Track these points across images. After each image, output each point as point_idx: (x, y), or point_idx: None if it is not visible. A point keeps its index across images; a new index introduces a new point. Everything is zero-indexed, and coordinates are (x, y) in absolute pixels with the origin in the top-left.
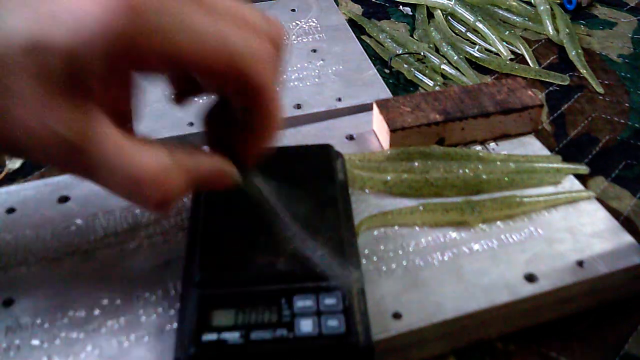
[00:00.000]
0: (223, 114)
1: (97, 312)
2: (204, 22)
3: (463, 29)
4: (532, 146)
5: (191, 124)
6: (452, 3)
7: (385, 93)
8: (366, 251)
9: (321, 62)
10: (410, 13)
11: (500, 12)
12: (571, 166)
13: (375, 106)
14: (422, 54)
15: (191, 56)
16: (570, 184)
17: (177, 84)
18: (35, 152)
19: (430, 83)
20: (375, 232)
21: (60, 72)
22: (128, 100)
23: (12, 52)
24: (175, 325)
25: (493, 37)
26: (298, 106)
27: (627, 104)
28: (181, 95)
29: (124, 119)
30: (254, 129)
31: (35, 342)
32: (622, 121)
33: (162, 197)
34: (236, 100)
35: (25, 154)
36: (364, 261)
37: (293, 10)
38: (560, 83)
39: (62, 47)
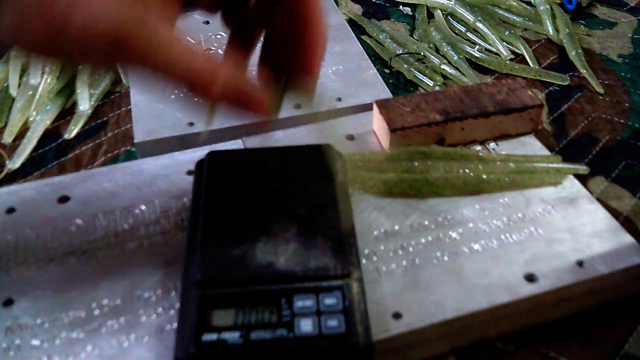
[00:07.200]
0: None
1: (97, 312)
2: None
3: (463, 29)
4: (532, 146)
5: (191, 124)
6: (452, 3)
7: (385, 93)
8: (366, 251)
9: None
10: (410, 13)
11: (500, 12)
12: (571, 166)
13: (375, 106)
14: (422, 54)
15: None
16: (571, 184)
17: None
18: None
19: (430, 83)
20: (375, 232)
21: None
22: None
23: None
24: (175, 325)
25: (493, 37)
26: (298, 106)
27: (627, 104)
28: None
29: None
30: (301, 38)
31: (35, 342)
32: (622, 121)
33: (210, 83)
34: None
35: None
36: (364, 261)
37: None
38: (560, 83)
39: None
